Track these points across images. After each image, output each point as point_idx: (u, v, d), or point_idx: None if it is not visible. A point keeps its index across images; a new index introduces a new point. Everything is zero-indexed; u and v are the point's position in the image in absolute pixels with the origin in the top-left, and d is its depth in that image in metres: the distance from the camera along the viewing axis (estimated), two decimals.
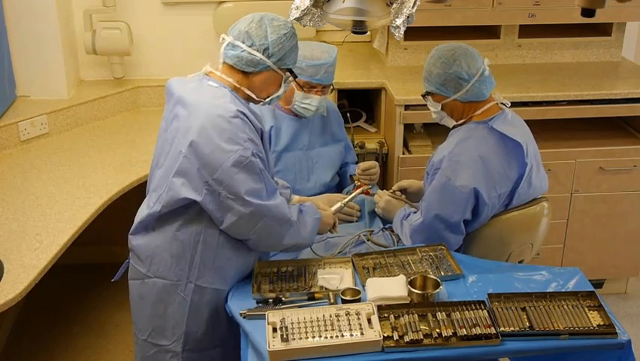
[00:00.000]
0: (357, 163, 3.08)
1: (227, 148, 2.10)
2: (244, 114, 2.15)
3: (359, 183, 2.88)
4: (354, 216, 2.82)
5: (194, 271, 2.25)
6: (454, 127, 2.59)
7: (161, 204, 2.21)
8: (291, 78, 2.32)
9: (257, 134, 2.19)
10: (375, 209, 2.84)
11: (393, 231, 2.72)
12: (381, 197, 2.82)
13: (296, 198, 2.63)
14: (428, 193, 2.52)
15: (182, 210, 2.20)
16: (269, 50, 2.20)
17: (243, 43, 2.20)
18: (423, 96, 2.61)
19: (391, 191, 2.86)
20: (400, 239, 2.64)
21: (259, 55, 2.19)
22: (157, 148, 2.32)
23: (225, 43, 2.23)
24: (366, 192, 2.86)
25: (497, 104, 2.55)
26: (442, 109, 2.57)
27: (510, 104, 2.59)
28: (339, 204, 2.62)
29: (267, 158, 2.26)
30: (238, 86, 2.24)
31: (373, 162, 2.99)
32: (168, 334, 2.31)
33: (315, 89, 2.78)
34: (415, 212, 2.63)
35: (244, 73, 2.23)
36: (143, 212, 2.29)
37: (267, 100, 2.30)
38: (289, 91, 2.77)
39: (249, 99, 2.27)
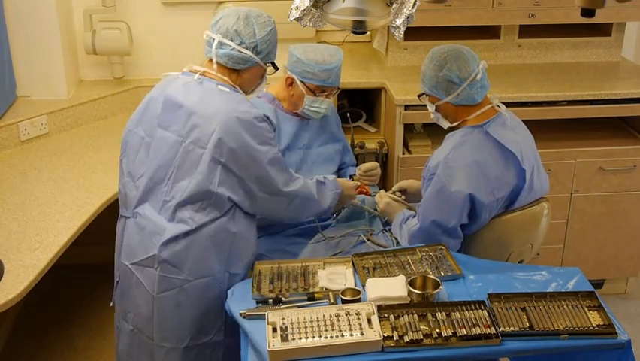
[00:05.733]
0: (357, 165, 3.08)
1: (261, 149, 2.27)
2: (267, 117, 2.32)
3: (359, 184, 2.89)
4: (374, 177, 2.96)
5: (230, 260, 2.33)
6: (449, 129, 2.59)
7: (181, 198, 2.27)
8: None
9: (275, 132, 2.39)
10: (376, 208, 2.84)
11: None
12: (382, 198, 2.81)
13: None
14: (424, 199, 2.51)
15: (202, 206, 2.27)
16: (257, 47, 2.31)
17: (232, 41, 2.29)
18: (419, 96, 2.61)
19: (391, 191, 2.86)
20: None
21: (249, 52, 2.30)
22: (144, 157, 2.34)
23: (215, 41, 2.30)
24: (366, 193, 2.86)
25: (494, 106, 2.54)
26: (436, 110, 2.57)
27: (504, 107, 2.57)
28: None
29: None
30: (234, 84, 2.35)
31: (374, 163, 3.00)
32: (209, 328, 2.36)
33: (325, 93, 2.79)
34: (413, 216, 2.62)
35: (234, 70, 2.34)
36: (165, 227, 2.29)
37: (250, 92, 2.44)
38: (296, 96, 2.78)
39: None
